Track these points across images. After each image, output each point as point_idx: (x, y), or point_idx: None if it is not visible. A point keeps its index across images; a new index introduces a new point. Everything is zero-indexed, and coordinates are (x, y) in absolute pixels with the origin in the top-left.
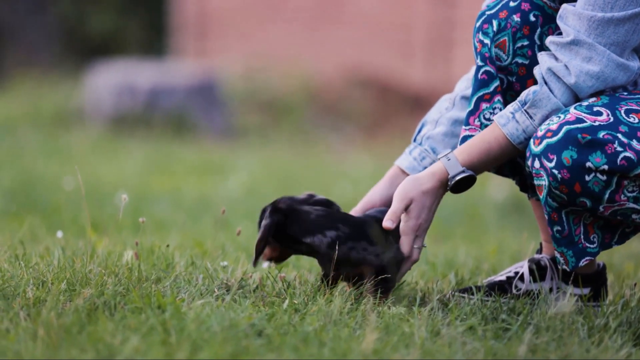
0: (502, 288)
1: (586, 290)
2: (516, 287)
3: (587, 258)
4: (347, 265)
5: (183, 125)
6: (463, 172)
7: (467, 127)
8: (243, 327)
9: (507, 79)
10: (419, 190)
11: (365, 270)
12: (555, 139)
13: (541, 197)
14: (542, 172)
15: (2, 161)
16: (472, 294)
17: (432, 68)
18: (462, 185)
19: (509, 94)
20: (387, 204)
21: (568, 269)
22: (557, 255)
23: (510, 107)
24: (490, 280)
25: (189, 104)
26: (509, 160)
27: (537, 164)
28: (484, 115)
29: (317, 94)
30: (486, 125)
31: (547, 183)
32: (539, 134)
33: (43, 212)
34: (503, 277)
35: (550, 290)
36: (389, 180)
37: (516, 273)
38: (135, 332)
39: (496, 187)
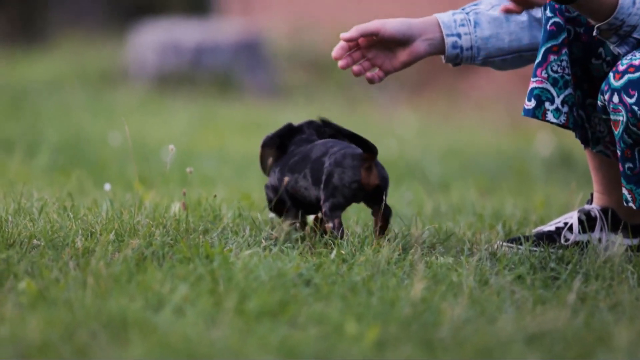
0: (550, 238)
1: (636, 241)
2: (565, 237)
3: None
4: None
5: (228, 83)
6: None
7: (535, 79)
8: (291, 276)
9: (574, 29)
10: None
11: None
12: (637, 74)
13: (616, 132)
14: (621, 108)
15: (50, 118)
16: (520, 244)
17: None
18: None
19: (575, 45)
20: (395, 37)
21: (635, 207)
22: (625, 192)
23: None
24: (538, 230)
25: (234, 62)
26: (574, 113)
27: (615, 99)
28: (551, 68)
29: None
30: (554, 78)
31: (625, 119)
32: (620, 68)
33: (90, 167)
34: (552, 228)
35: (599, 240)
36: (419, 24)
37: (565, 224)
38: (183, 281)
39: (543, 142)
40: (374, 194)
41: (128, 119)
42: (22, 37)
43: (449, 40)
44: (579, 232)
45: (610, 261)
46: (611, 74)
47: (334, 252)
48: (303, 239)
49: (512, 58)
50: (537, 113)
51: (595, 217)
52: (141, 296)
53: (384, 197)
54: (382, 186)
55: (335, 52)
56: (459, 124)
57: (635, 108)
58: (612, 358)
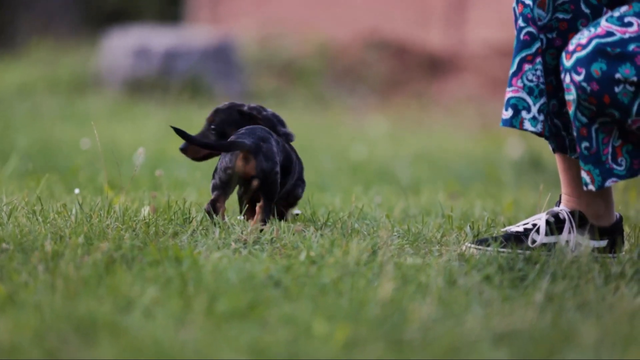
0: (518, 239)
1: (602, 242)
2: (532, 239)
3: (614, 179)
4: None
5: (199, 88)
6: None
7: (510, 89)
8: (260, 278)
9: (546, 36)
10: None
11: None
12: (584, 52)
13: (570, 112)
14: (572, 87)
15: (21, 125)
16: (489, 245)
17: (448, 30)
18: None
19: (548, 53)
20: None
21: (594, 189)
22: (584, 174)
23: None
24: (507, 230)
25: (204, 67)
26: (549, 122)
27: (567, 79)
28: (526, 77)
29: (333, 58)
30: (529, 87)
31: (575, 97)
32: (570, 48)
33: (61, 172)
34: (520, 228)
35: (567, 242)
36: None
37: (534, 225)
38: (153, 283)
39: (512, 146)
40: (259, 186)
41: (100, 125)
42: None
43: None
44: (547, 234)
45: (577, 261)
46: (563, 55)
47: (304, 253)
48: (273, 241)
49: None
50: (515, 122)
51: (564, 219)
52: (110, 299)
53: (264, 188)
54: (258, 177)
55: None
56: (430, 128)
57: (585, 84)
58: (579, 357)
